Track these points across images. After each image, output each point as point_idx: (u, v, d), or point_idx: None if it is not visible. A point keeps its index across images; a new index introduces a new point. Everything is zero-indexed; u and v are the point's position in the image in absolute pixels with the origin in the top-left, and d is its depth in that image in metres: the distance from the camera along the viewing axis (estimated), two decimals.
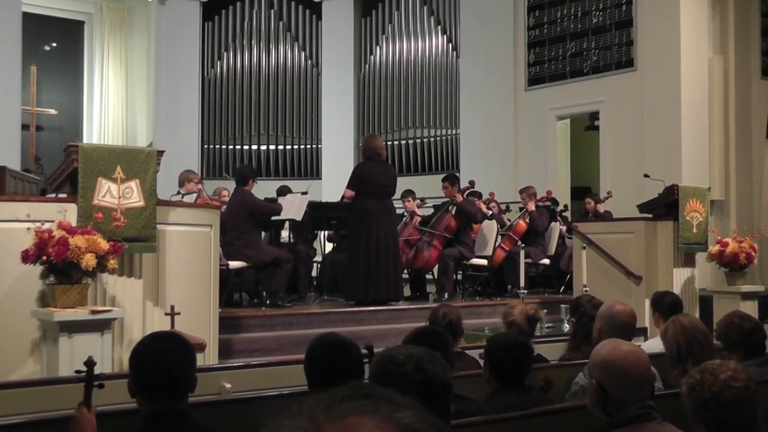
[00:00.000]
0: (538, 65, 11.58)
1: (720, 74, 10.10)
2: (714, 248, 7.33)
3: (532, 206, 9.31)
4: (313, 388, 2.64)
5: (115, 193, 4.62)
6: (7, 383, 3.86)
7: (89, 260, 4.18)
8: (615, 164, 10.54)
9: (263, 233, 8.17)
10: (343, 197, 7.81)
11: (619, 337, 3.09)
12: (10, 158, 9.84)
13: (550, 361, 4.34)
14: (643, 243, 7.31)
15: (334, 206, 8.60)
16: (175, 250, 5.16)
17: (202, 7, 14.26)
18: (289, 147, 14.32)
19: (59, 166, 4.91)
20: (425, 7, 13.65)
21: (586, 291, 6.28)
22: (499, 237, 9.01)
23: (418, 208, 9.36)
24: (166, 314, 4.76)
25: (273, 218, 7.82)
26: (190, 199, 7.13)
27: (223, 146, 14.24)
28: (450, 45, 13.25)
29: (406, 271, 8.80)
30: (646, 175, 8.57)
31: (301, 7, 14.63)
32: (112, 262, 4.34)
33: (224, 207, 7.36)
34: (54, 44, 15.03)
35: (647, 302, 5.90)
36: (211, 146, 14.24)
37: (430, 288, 9.03)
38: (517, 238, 9.12)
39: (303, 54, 14.57)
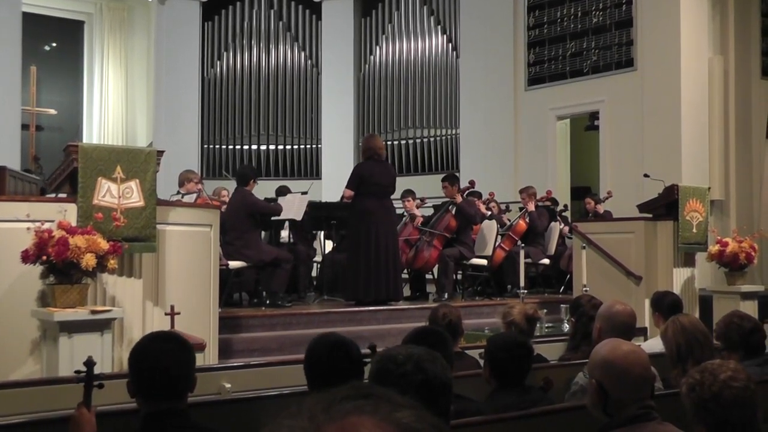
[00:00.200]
0: (538, 65, 11.57)
1: (720, 74, 10.10)
2: (714, 248, 7.33)
3: (531, 206, 9.31)
4: (313, 388, 2.64)
5: (115, 193, 4.62)
6: (7, 383, 3.86)
7: (89, 260, 4.18)
8: (615, 164, 10.54)
9: (263, 233, 8.17)
10: (342, 197, 7.81)
11: (619, 337, 3.09)
12: (10, 158, 9.84)
13: (550, 361, 4.33)
14: (643, 243, 7.31)
15: (334, 206, 8.61)
16: (175, 250, 5.16)
17: (202, 7, 14.26)
18: (289, 147, 14.33)
19: (59, 166, 4.90)
20: (425, 7, 13.65)
21: (585, 291, 6.27)
22: (499, 237, 9.02)
23: (418, 208, 9.36)
24: (165, 314, 4.76)
25: (273, 218, 7.82)
26: (190, 199, 7.13)
27: (223, 146, 14.25)
28: (450, 45, 13.25)
29: (406, 271, 8.80)
30: (646, 175, 8.57)
31: (301, 7, 14.63)
32: (112, 262, 4.34)
33: (224, 207, 7.37)
34: (54, 44, 15.03)
35: (647, 302, 5.90)
36: (211, 146, 14.24)
37: (430, 288, 9.03)
38: (516, 238, 9.12)
39: (303, 54, 14.57)
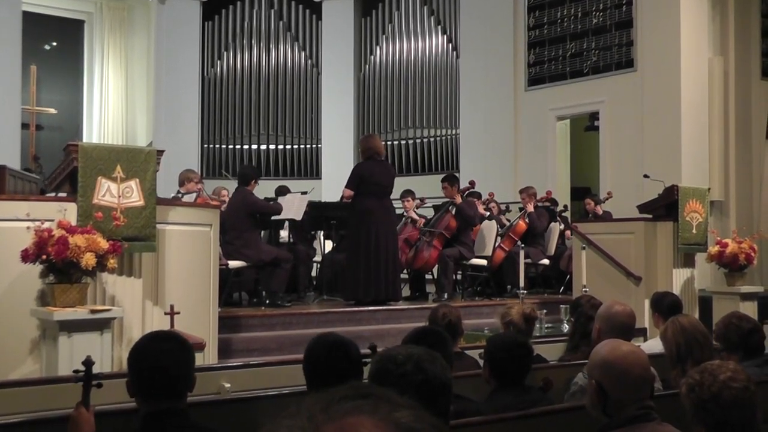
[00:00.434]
0: (538, 65, 11.58)
1: (720, 75, 10.10)
2: (713, 249, 7.33)
3: (531, 207, 9.31)
4: (312, 387, 2.64)
5: (115, 193, 4.62)
6: (6, 382, 3.86)
7: (89, 259, 4.18)
8: (615, 165, 10.54)
9: (262, 232, 8.17)
10: (342, 197, 7.81)
11: (619, 337, 3.09)
12: (10, 157, 9.84)
13: (550, 361, 4.33)
14: (642, 243, 7.31)
15: (334, 206, 8.61)
16: (175, 250, 5.16)
17: (202, 6, 14.26)
18: (289, 147, 14.33)
19: (59, 165, 4.90)
20: (425, 7, 13.65)
21: (585, 291, 6.27)
22: (499, 237, 9.02)
23: (418, 208, 9.36)
24: (165, 314, 4.76)
25: (273, 218, 7.82)
26: (189, 198, 7.13)
27: (223, 146, 14.25)
28: (450, 45, 13.25)
29: (405, 271, 8.80)
30: (645, 176, 8.57)
31: (301, 7, 14.64)
32: (112, 262, 4.34)
33: (224, 206, 7.37)
34: (54, 43, 15.03)
35: (647, 303, 5.90)
36: (211, 146, 14.24)
37: (430, 288, 9.03)
38: (516, 239, 9.11)
39: (303, 54, 14.57)
